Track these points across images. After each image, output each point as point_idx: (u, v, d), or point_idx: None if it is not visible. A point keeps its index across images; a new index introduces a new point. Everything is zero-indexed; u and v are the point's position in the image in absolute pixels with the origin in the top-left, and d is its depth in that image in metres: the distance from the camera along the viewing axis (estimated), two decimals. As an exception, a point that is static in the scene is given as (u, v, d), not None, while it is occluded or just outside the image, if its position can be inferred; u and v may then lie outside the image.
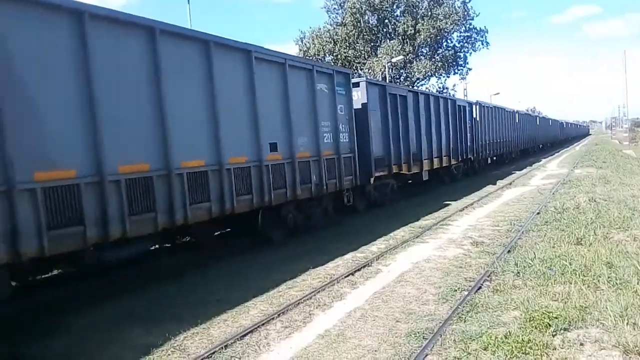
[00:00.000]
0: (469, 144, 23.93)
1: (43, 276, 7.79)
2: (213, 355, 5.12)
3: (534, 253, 8.06)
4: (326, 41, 40.83)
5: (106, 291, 7.57)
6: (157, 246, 9.20)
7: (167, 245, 9.48)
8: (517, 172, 26.71)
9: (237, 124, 8.90)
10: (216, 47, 8.39)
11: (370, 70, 39.05)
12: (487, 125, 27.62)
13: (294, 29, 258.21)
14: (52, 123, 5.93)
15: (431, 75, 43.24)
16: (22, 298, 6.94)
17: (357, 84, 13.77)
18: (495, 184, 20.86)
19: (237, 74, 8.97)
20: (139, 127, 7.07)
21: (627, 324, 4.96)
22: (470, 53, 45.07)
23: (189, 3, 22.74)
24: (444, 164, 20.45)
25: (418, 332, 5.45)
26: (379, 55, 39.96)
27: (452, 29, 42.05)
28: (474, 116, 25.45)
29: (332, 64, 37.41)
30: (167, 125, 7.39)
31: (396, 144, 15.62)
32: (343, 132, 12.27)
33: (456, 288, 6.94)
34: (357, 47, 41.62)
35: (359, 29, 41.23)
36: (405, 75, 42.16)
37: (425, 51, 43.65)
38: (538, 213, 12.44)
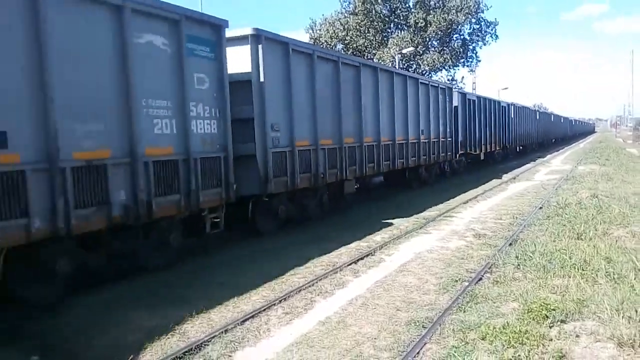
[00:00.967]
0: (506, 135, 31.50)
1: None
2: (213, 340, 5.18)
3: (535, 246, 8.14)
4: (337, 29, 40.71)
5: (111, 274, 7.66)
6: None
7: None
8: (522, 166, 26.72)
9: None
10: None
11: (380, 60, 38.95)
12: (518, 122, 35.59)
13: (304, 15, 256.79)
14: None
15: (440, 68, 43.12)
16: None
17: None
18: (500, 177, 20.95)
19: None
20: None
21: (622, 317, 5.04)
22: (481, 46, 44.92)
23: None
24: (495, 149, 28.31)
25: (418, 321, 5.54)
26: (389, 46, 39.86)
27: (463, 21, 41.86)
28: (511, 115, 32.84)
29: (343, 52, 37.33)
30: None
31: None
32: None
33: (457, 279, 7.04)
34: (368, 37, 41.48)
35: (370, 18, 41.06)
36: (415, 67, 42.04)
37: (435, 43, 43.51)
38: (540, 207, 12.50)
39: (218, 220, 8.62)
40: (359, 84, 13.05)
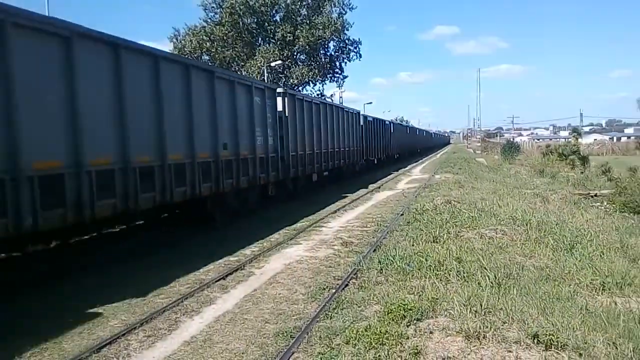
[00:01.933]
0: (389, 146, 39.36)
1: None
2: (65, 372, 4.79)
3: (396, 251, 8.60)
4: (203, 39, 39.92)
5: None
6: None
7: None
8: (386, 176, 28.24)
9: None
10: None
11: (248, 73, 38.94)
12: (397, 136, 43.84)
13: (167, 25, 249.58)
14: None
15: (308, 82, 44.23)
16: None
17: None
18: (367, 187, 21.89)
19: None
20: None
21: (469, 312, 5.52)
22: (346, 63, 46.88)
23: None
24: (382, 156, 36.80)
25: (286, 332, 5.59)
26: (256, 58, 40.00)
27: (329, 37, 43.36)
28: (392, 131, 41.47)
29: (210, 63, 36.72)
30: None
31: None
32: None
33: (325, 287, 7.22)
34: (236, 49, 41.27)
35: (238, 30, 40.89)
36: (283, 80, 42.65)
37: (303, 58, 44.58)
38: (402, 214, 13.30)
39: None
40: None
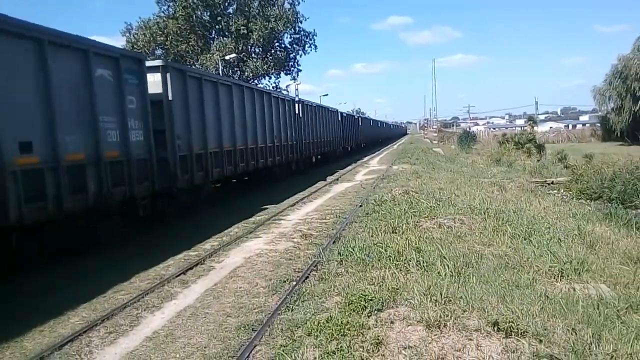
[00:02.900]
0: (358, 137, 47.31)
1: None
2: (26, 370, 4.70)
3: (356, 242, 8.67)
4: (157, 33, 39.16)
5: None
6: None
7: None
8: (344, 168, 28.43)
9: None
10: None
11: (203, 67, 38.42)
12: (364, 128, 52.30)
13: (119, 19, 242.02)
14: None
15: (264, 75, 43.99)
16: None
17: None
18: (325, 179, 21.98)
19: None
20: None
21: (430, 301, 5.62)
22: (301, 55, 46.85)
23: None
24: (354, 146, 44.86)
25: (248, 325, 5.61)
26: (211, 52, 39.50)
27: (283, 30, 43.21)
28: (360, 124, 49.79)
29: (164, 58, 36.04)
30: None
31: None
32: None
33: (285, 279, 7.25)
34: (190, 42, 40.64)
35: (191, 23, 40.32)
36: (239, 73, 42.28)
37: (258, 51, 44.28)
38: (360, 206, 13.44)
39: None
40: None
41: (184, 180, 12.50)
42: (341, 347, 4.67)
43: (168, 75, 11.93)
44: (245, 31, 41.41)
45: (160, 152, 11.42)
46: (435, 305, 5.48)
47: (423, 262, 7.29)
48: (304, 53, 46.86)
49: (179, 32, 39.94)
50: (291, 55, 46.09)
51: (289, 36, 45.55)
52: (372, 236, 9.25)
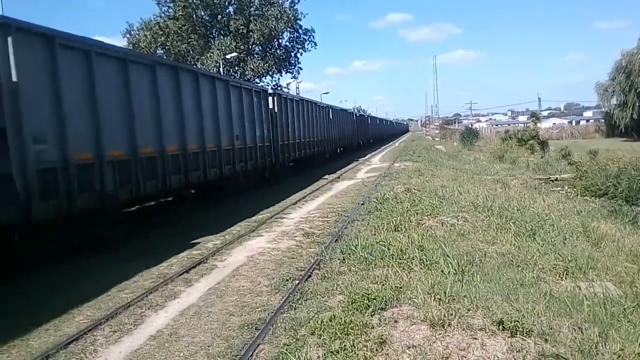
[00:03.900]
0: (367, 134, 54.01)
1: None
2: (32, 370, 4.71)
3: (358, 240, 8.61)
4: (157, 34, 39.22)
5: None
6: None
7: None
8: (346, 166, 28.43)
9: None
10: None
11: (204, 66, 38.44)
12: (372, 126, 59.64)
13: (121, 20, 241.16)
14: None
15: (265, 74, 43.99)
16: None
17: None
18: (327, 177, 22.00)
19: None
20: None
21: (433, 300, 5.59)
22: (301, 53, 46.78)
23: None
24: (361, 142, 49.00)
25: (251, 324, 5.60)
26: (212, 51, 39.51)
27: (283, 29, 43.17)
28: (369, 122, 57.38)
29: (165, 57, 36.14)
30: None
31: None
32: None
33: (288, 278, 7.25)
34: (191, 42, 40.67)
35: (192, 23, 40.36)
36: (239, 73, 42.29)
37: (258, 50, 44.26)
38: (362, 204, 13.42)
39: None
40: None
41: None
42: (345, 346, 4.66)
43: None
44: (245, 31, 41.40)
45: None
46: (439, 304, 5.45)
47: (426, 261, 7.23)
48: (304, 51, 46.82)
49: (179, 31, 39.97)
50: (292, 54, 46.04)
51: (288, 34, 45.51)
52: (374, 234, 9.21)
